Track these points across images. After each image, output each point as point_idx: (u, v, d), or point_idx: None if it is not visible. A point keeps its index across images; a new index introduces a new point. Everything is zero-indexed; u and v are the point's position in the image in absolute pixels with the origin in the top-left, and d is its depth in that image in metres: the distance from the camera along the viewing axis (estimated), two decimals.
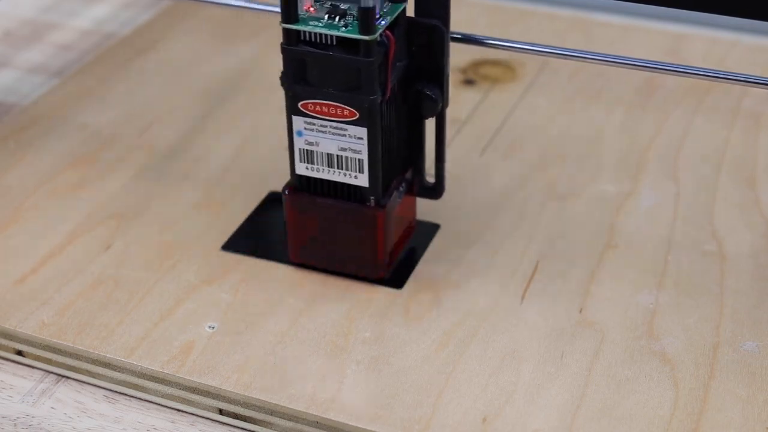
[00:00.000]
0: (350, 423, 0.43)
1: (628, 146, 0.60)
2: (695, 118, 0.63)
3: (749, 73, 0.49)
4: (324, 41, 0.45)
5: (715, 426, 0.43)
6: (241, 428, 0.45)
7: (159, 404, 0.46)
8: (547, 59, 0.68)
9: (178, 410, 0.46)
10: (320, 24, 0.45)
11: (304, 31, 0.45)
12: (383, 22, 0.45)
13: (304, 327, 0.48)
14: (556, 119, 0.63)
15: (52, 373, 0.48)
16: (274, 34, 0.71)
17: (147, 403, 0.46)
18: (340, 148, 0.47)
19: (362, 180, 0.47)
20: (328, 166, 0.48)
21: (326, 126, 0.47)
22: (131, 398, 0.47)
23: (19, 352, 0.48)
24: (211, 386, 0.45)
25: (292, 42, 0.46)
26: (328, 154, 0.47)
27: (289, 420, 0.44)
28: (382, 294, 0.49)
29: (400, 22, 0.47)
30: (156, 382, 0.46)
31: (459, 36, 0.50)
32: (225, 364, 0.46)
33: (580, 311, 0.48)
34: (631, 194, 0.56)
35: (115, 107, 0.64)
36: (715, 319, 0.48)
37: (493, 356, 0.46)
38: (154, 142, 0.61)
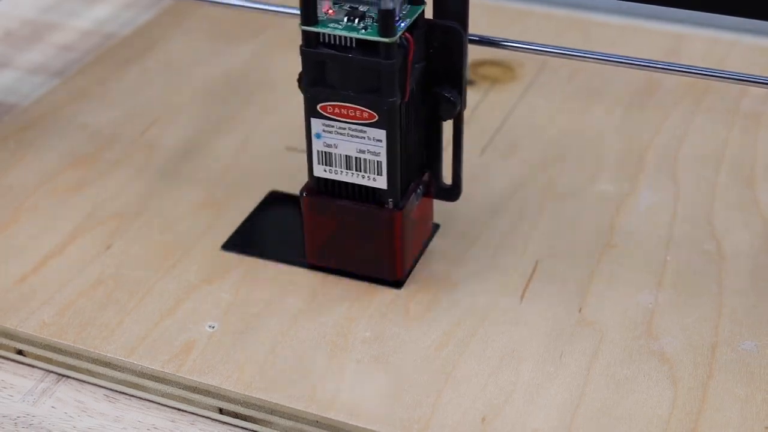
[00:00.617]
0: (350, 422, 0.43)
1: (627, 146, 0.60)
2: (694, 118, 0.63)
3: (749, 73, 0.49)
4: (343, 43, 0.45)
5: (713, 425, 0.43)
6: (242, 427, 0.45)
7: (159, 403, 0.46)
8: (547, 60, 0.68)
9: (179, 409, 0.46)
10: (340, 26, 0.45)
11: (324, 33, 0.45)
12: (403, 25, 0.45)
13: (304, 327, 0.48)
14: (555, 119, 0.63)
15: (52, 372, 0.48)
16: (274, 34, 0.71)
17: (147, 403, 0.46)
18: (359, 151, 0.47)
19: (380, 182, 0.47)
20: (347, 168, 0.47)
21: (345, 128, 0.47)
22: (131, 397, 0.47)
23: (20, 352, 0.48)
24: (212, 385, 0.45)
25: (311, 44, 0.45)
26: (346, 156, 0.47)
27: (289, 419, 0.44)
28: (382, 294, 0.50)
29: (419, 24, 0.47)
30: (156, 381, 0.46)
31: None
32: (225, 363, 0.46)
33: (580, 311, 0.49)
34: (630, 194, 0.56)
35: (115, 107, 0.64)
36: (713, 318, 0.48)
37: (493, 356, 0.46)
38: (154, 142, 0.61)
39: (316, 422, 0.44)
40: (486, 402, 0.44)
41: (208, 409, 0.45)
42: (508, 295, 0.49)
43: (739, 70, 0.49)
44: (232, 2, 0.57)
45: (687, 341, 0.47)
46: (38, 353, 0.48)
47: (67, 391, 0.47)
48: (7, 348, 0.48)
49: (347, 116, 0.46)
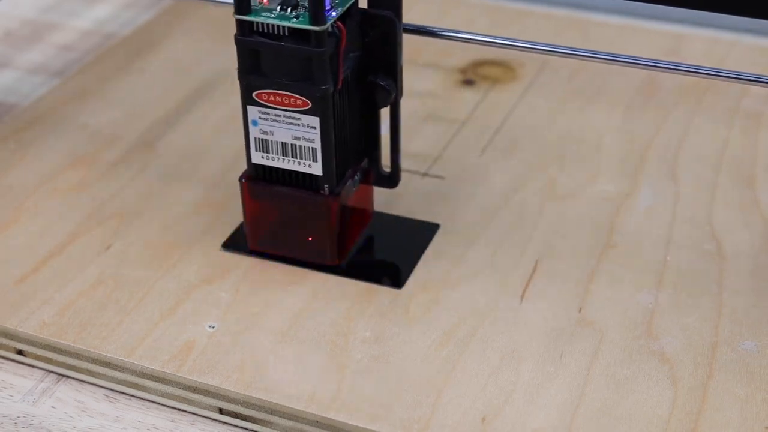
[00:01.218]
0: (350, 422, 0.43)
1: (627, 146, 0.60)
2: (694, 118, 0.63)
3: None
4: (276, 32, 0.46)
5: (713, 425, 0.43)
6: (242, 427, 0.45)
7: (159, 403, 0.46)
8: (547, 60, 0.68)
9: (179, 409, 0.46)
10: (272, 15, 0.46)
11: (257, 22, 0.46)
12: (334, 13, 0.46)
13: (304, 326, 0.48)
14: (555, 119, 0.63)
15: (52, 372, 0.48)
16: None
17: (147, 403, 0.46)
18: (294, 137, 0.48)
19: (316, 168, 0.48)
20: (283, 155, 0.48)
21: (280, 115, 0.48)
22: (131, 397, 0.47)
23: (20, 352, 0.48)
24: (212, 385, 0.45)
25: (245, 33, 0.47)
26: (282, 143, 0.48)
27: (289, 419, 0.44)
28: (382, 294, 0.50)
29: (352, 14, 0.48)
30: (156, 381, 0.46)
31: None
32: (225, 363, 0.46)
33: (580, 311, 0.49)
34: (630, 194, 0.56)
35: (115, 107, 0.64)
36: (713, 318, 0.48)
37: (493, 356, 0.46)
38: (154, 142, 0.61)
39: (316, 422, 0.44)
40: (486, 402, 0.44)
41: (208, 409, 0.45)
42: (508, 295, 0.49)
43: (739, 70, 0.49)
44: (232, 1, 0.57)
45: (687, 341, 0.47)
46: (38, 353, 0.48)
47: (67, 391, 0.47)
48: (7, 348, 0.48)
49: (282, 103, 0.47)
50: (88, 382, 0.47)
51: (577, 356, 0.46)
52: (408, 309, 0.49)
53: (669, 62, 0.50)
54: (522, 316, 0.48)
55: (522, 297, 0.49)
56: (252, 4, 0.46)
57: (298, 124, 0.47)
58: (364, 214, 0.53)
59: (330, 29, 0.46)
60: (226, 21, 0.73)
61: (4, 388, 0.47)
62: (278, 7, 0.46)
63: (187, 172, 0.58)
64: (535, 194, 0.56)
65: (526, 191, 0.57)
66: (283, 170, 0.49)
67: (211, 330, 0.48)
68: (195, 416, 0.46)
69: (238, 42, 0.47)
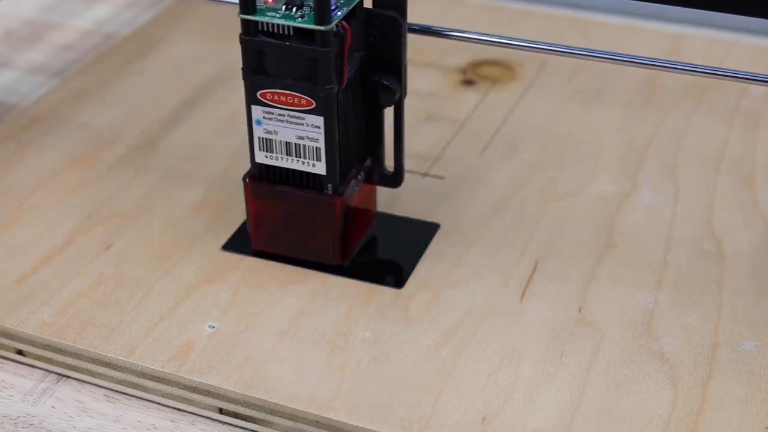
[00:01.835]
0: (350, 422, 0.43)
1: (627, 146, 0.60)
2: (694, 118, 0.63)
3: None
4: (281, 32, 0.46)
5: (713, 425, 0.43)
6: (242, 427, 0.45)
7: (159, 403, 0.46)
8: (547, 60, 0.68)
9: (179, 409, 0.46)
10: (277, 15, 0.46)
11: (262, 22, 0.46)
12: (339, 13, 0.46)
13: (304, 326, 0.48)
14: (555, 119, 0.63)
15: (52, 372, 0.48)
16: None
17: (147, 403, 0.46)
18: (298, 137, 0.48)
19: (320, 168, 0.48)
20: (287, 155, 0.48)
21: (284, 115, 0.47)
22: (131, 397, 0.47)
23: (20, 352, 0.48)
24: (212, 385, 0.45)
25: (250, 33, 0.47)
26: (286, 142, 0.48)
27: (289, 419, 0.44)
28: (382, 294, 0.50)
29: (357, 13, 0.48)
30: (156, 381, 0.46)
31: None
32: (225, 363, 0.46)
33: (580, 311, 0.49)
34: (630, 194, 0.56)
35: (115, 107, 0.64)
36: (713, 318, 0.48)
37: (493, 356, 0.46)
38: (154, 142, 0.61)
39: (316, 422, 0.44)
40: (486, 402, 0.44)
41: (208, 409, 0.45)
42: (508, 295, 0.50)
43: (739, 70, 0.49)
44: (232, 1, 0.57)
45: (687, 341, 0.47)
46: (38, 353, 0.48)
47: (67, 391, 0.47)
48: (7, 348, 0.48)
49: (286, 103, 0.47)
50: (88, 382, 0.47)
51: (577, 356, 0.46)
52: (408, 309, 0.49)
53: (669, 61, 0.50)
54: (522, 316, 0.48)
55: (522, 297, 0.49)
56: (257, 3, 0.46)
57: (302, 124, 0.47)
58: (367, 214, 0.53)
59: (335, 29, 0.46)
60: (226, 21, 0.73)
61: (4, 388, 0.47)
62: (283, 7, 0.46)
63: (187, 172, 0.58)
64: (535, 194, 0.56)
65: (526, 191, 0.57)
66: (287, 170, 0.49)
67: (211, 330, 0.48)
68: (195, 416, 0.46)
69: (243, 41, 0.47)
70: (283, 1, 0.46)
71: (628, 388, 0.45)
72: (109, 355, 0.46)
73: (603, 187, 0.57)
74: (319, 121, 0.47)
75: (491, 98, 0.65)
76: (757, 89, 0.65)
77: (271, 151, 0.49)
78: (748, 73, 0.49)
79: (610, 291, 0.50)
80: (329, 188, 0.49)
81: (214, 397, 0.45)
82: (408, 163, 0.57)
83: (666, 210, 0.55)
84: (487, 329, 0.48)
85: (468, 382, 0.45)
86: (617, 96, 0.65)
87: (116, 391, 0.47)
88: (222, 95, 0.65)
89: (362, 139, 0.51)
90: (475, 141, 0.61)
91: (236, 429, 0.45)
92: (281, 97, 0.47)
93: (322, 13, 0.45)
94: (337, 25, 0.46)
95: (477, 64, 0.68)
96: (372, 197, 0.53)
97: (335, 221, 0.49)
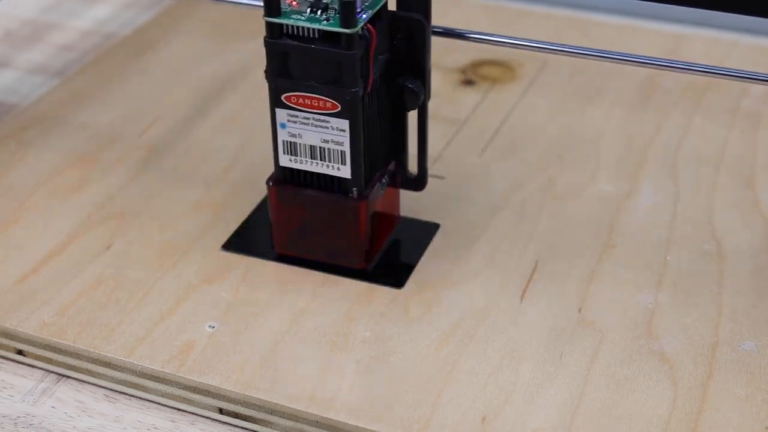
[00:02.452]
0: (350, 422, 0.43)
1: (627, 146, 0.60)
2: (694, 118, 0.63)
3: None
4: (306, 34, 0.46)
5: (713, 425, 0.43)
6: (242, 427, 0.45)
7: (159, 403, 0.46)
8: (547, 60, 0.68)
9: (179, 409, 0.46)
10: (302, 17, 0.46)
11: (287, 25, 0.46)
12: (364, 16, 0.46)
13: (304, 326, 0.48)
14: (555, 119, 0.63)
15: (52, 372, 0.48)
16: None
17: (147, 403, 0.46)
18: (323, 140, 0.47)
19: (345, 171, 0.48)
20: (311, 158, 0.48)
21: (309, 118, 0.47)
22: (131, 397, 0.47)
23: (20, 352, 0.48)
24: (212, 385, 0.45)
25: (275, 35, 0.46)
26: (311, 146, 0.48)
27: (289, 419, 0.44)
28: (382, 294, 0.50)
29: (381, 16, 0.47)
30: (156, 381, 0.46)
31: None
32: (225, 363, 0.46)
33: (580, 311, 0.49)
34: (630, 194, 0.56)
35: (115, 107, 0.64)
36: (713, 318, 0.48)
37: (493, 356, 0.46)
38: (154, 142, 0.61)
39: (316, 422, 0.44)
40: (486, 402, 0.44)
41: (208, 409, 0.45)
42: (508, 295, 0.49)
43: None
44: (232, 2, 0.57)
45: (687, 341, 0.47)
46: (38, 353, 0.48)
47: (67, 391, 0.47)
48: (7, 348, 0.48)
49: (311, 106, 0.47)
50: (88, 382, 0.47)
51: (577, 356, 0.46)
52: (408, 309, 0.49)
53: (669, 60, 0.50)
54: (522, 316, 0.48)
55: (522, 297, 0.49)
56: (281, 6, 0.46)
57: (327, 127, 0.47)
58: (390, 218, 0.53)
59: (360, 32, 0.45)
60: (226, 21, 0.73)
61: (4, 388, 0.47)
62: (308, 10, 0.46)
63: (187, 172, 0.58)
64: (535, 194, 0.56)
65: (526, 191, 0.57)
66: (312, 173, 0.49)
67: (211, 330, 0.48)
68: (195, 416, 0.46)
69: (267, 44, 0.46)
70: (308, 4, 0.46)
71: (628, 388, 0.45)
72: (109, 355, 0.46)
73: (603, 187, 0.57)
74: (345, 124, 0.47)
75: (491, 98, 0.65)
76: (757, 89, 0.65)
77: (296, 155, 0.48)
78: (749, 73, 0.49)
79: (610, 291, 0.50)
80: (354, 192, 0.48)
81: (214, 397, 0.45)
82: (408, 163, 0.57)
83: (666, 210, 0.55)
84: (487, 329, 0.48)
85: (468, 382, 0.45)
86: (617, 96, 0.65)
87: (116, 391, 0.47)
88: (222, 95, 0.65)
89: (386, 143, 0.51)
90: (475, 141, 0.61)
91: (236, 429, 0.45)
92: (306, 100, 0.47)
93: (348, 16, 0.45)
94: (362, 28, 0.46)
95: (477, 64, 0.68)
96: (395, 201, 0.53)
97: (360, 225, 0.49)
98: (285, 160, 0.49)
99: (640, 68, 0.64)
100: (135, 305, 0.49)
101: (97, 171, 0.58)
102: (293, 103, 0.47)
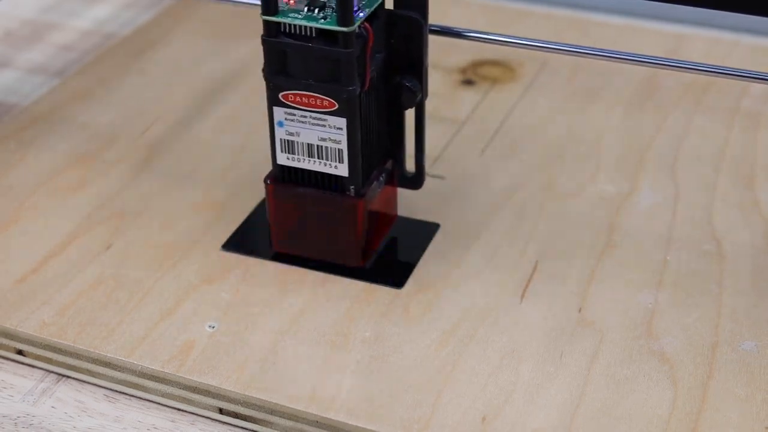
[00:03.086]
0: (350, 422, 0.43)
1: (627, 146, 0.60)
2: (694, 118, 0.63)
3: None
4: (303, 33, 0.46)
5: (713, 425, 0.43)
6: (242, 427, 0.45)
7: (159, 403, 0.46)
8: (547, 60, 0.68)
9: (179, 409, 0.46)
10: (299, 16, 0.46)
11: (284, 23, 0.46)
12: (362, 14, 0.46)
13: (303, 326, 0.48)
14: (555, 119, 0.63)
15: (52, 372, 0.48)
16: None
17: (147, 403, 0.46)
18: (320, 138, 0.48)
19: (342, 170, 0.48)
20: (309, 156, 0.48)
21: (306, 116, 0.47)
22: (132, 397, 0.47)
23: (20, 352, 0.48)
24: (212, 385, 0.45)
25: (272, 34, 0.46)
26: (308, 144, 0.48)
27: (289, 419, 0.44)
28: (382, 294, 0.50)
29: (378, 14, 0.48)
30: (156, 381, 0.46)
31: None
32: (225, 363, 0.46)
33: (580, 311, 0.49)
34: (630, 194, 0.56)
35: (115, 107, 0.64)
36: (713, 318, 0.48)
37: (493, 356, 0.46)
38: (154, 142, 0.61)
39: (316, 422, 0.44)
40: (486, 402, 0.44)
41: (208, 409, 0.45)
42: (508, 295, 0.49)
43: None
44: (232, 1, 0.57)
45: (687, 341, 0.47)
46: (38, 353, 0.48)
47: (67, 391, 0.47)
48: (7, 348, 0.48)
49: (308, 105, 0.47)
50: (88, 382, 0.47)
51: (577, 356, 0.46)
52: (408, 309, 0.49)
53: (669, 59, 0.50)
54: (522, 316, 0.48)
55: (522, 297, 0.49)
56: (279, 4, 0.46)
57: (325, 126, 0.47)
58: (388, 216, 0.53)
59: (357, 30, 0.46)
60: (226, 21, 0.73)
61: (4, 388, 0.47)
62: (305, 8, 0.46)
63: (187, 172, 0.58)
64: (535, 194, 0.56)
65: (526, 191, 0.57)
66: (309, 171, 0.49)
67: (211, 330, 0.48)
68: (195, 416, 0.46)
69: (265, 43, 0.47)
70: (305, 2, 0.46)
71: (628, 388, 0.45)
72: (109, 355, 0.46)
73: (603, 187, 0.57)
74: (342, 122, 0.47)
75: (491, 98, 0.65)
76: (757, 89, 0.65)
77: (293, 153, 0.48)
78: (749, 72, 0.48)
79: (610, 291, 0.50)
80: (351, 190, 0.49)
81: (214, 397, 0.45)
82: (408, 163, 0.57)
83: (666, 210, 0.55)
84: (487, 329, 0.48)
85: (468, 382, 0.45)
86: (617, 96, 0.65)
87: (116, 391, 0.47)
88: (222, 95, 0.65)
89: (383, 141, 0.51)
90: (475, 141, 0.61)
91: (236, 429, 0.45)
92: (303, 98, 0.47)
93: (345, 15, 0.45)
94: (359, 27, 0.46)
95: (477, 64, 0.68)
96: (392, 199, 0.53)
97: (358, 223, 0.49)
98: (282, 159, 0.49)
99: (640, 68, 0.64)
100: (135, 305, 0.49)
101: (97, 171, 0.58)
102: (290, 102, 0.47)
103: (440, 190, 0.57)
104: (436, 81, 0.66)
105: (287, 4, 0.46)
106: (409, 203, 0.55)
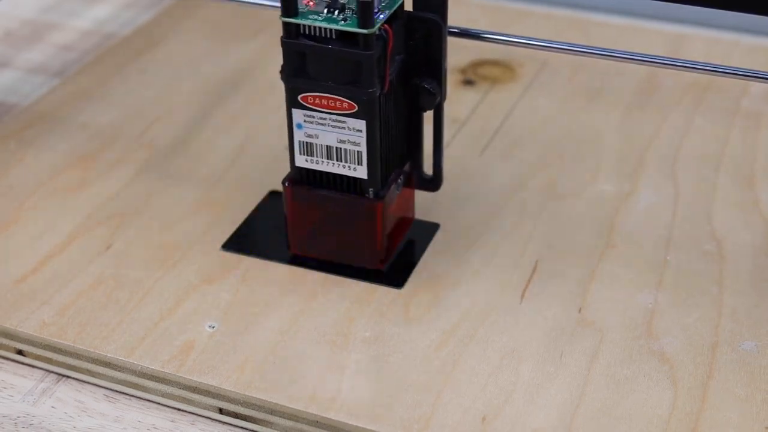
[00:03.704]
0: (350, 422, 0.43)
1: (627, 146, 0.60)
2: (694, 118, 0.63)
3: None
4: (323, 35, 0.46)
5: (713, 425, 0.43)
6: (242, 427, 0.45)
7: (159, 403, 0.46)
8: (547, 60, 0.68)
9: (179, 409, 0.46)
10: (320, 18, 0.46)
11: (304, 25, 0.46)
12: (382, 16, 0.46)
13: (304, 326, 0.48)
14: (555, 119, 0.63)
15: (52, 372, 0.48)
16: (274, 33, 0.71)
17: (147, 403, 0.46)
18: (340, 141, 0.47)
19: (361, 172, 0.48)
20: (328, 158, 0.48)
21: (326, 119, 0.47)
22: (132, 397, 0.47)
23: (20, 352, 0.48)
24: (212, 385, 0.45)
25: (291, 35, 0.46)
26: (327, 146, 0.48)
27: (289, 419, 0.44)
28: (382, 294, 0.50)
29: (398, 16, 0.47)
30: (156, 381, 0.46)
31: (456, 30, 0.51)
32: (225, 363, 0.46)
33: (580, 311, 0.49)
34: (630, 194, 0.56)
35: (115, 107, 0.64)
36: (714, 318, 0.48)
37: (493, 356, 0.46)
38: (154, 142, 0.61)
39: (316, 422, 0.44)
40: (486, 402, 0.44)
41: (208, 409, 0.45)
42: (508, 294, 0.49)
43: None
44: (231, 1, 0.57)
45: (687, 341, 0.47)
46: (38, 353, 0.48)
47: (67, 391, 0.47)
48: (7, 348, 0.48)
49: (328, 107, 0.47)
50: (88, 382, 0.47)
51: (577, 356, 0.46)
52: (408, 309, 0.49)
53: (669, 59, 0.50)
54: (522, 316, 0.48)
55: (522, 297, 0.49)
56: (299, 6, 0.46)
57: (344, 128, 0.47)
58: (405, 219, 0.53)
59: (377, 32, 0.45)
60: (226, 21, 0.73)
61: (4, 388, 0.47)
62: (325, 10, 0.46)
63: (187, 172, 0.58)
64: (535, 194, 0.56)
65: (526, 191, 0.57)
66: (328, 174, 0.49)
67: (211, 330, 0.48)
68: (195, 416, 0.46)
69: (284, 44, 0.46)
70: (325, 4, 0.46)
71: (628, 388, 0.45)
72: (109, 355, 0.46)
73: (603, 187, 0.57)
74: (361, 124, 0.47)
75: (491, 98, 0.65)
76: (757, 89, 0.65)
77: (312, 155, 0.48)
78: (749, 71, 0.48)
79: (610, 291, 0.50)
80: (370, 192, 0.48)
81: (214, 397, 0.45)
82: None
83: (666, 210, 0.55)
84: (487, 329, 0.48)
85: (468, 382, 0.45)
86: (617, 96, 0.65)
87: (116, 391, 0.47)
88: (222, 95, 0.65)
89: (402, 143, 0.51)
90: (475, 141, 0.61)
91: (236, 429, 0.45)
92: (323, 100, 0.47)
93: (365, 16, 0.45)
94: (379, 29, 0.45)
95: (477, 64, 0.68)
96: (410, 201, 0.53)
97: (376, 225, 0.49)
98: (301, 161, 0.49)
99: (641, 68, 0.64)
100: (135, 305, 0.49)
101: (97, 171, 0.58)
102: (310, 104, 0.47)
103: (440, 190, 0.56)
104: None
105: (307, 5, 0.46)
106: None
